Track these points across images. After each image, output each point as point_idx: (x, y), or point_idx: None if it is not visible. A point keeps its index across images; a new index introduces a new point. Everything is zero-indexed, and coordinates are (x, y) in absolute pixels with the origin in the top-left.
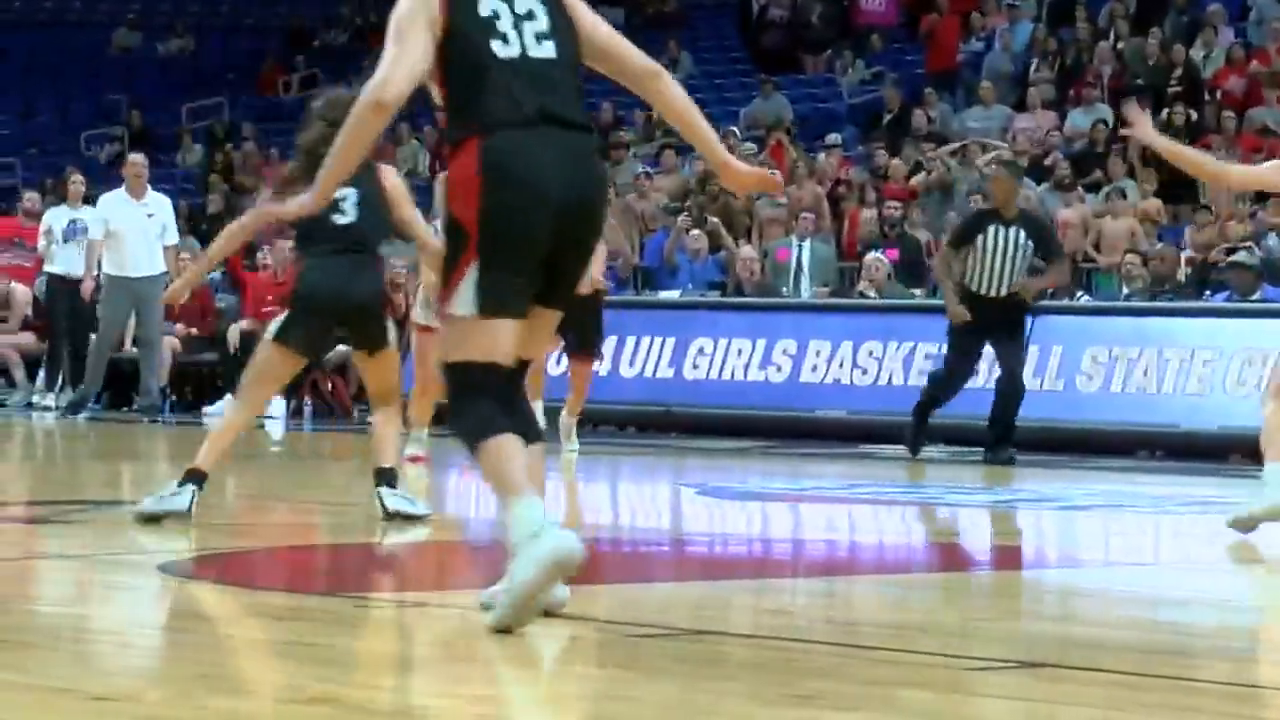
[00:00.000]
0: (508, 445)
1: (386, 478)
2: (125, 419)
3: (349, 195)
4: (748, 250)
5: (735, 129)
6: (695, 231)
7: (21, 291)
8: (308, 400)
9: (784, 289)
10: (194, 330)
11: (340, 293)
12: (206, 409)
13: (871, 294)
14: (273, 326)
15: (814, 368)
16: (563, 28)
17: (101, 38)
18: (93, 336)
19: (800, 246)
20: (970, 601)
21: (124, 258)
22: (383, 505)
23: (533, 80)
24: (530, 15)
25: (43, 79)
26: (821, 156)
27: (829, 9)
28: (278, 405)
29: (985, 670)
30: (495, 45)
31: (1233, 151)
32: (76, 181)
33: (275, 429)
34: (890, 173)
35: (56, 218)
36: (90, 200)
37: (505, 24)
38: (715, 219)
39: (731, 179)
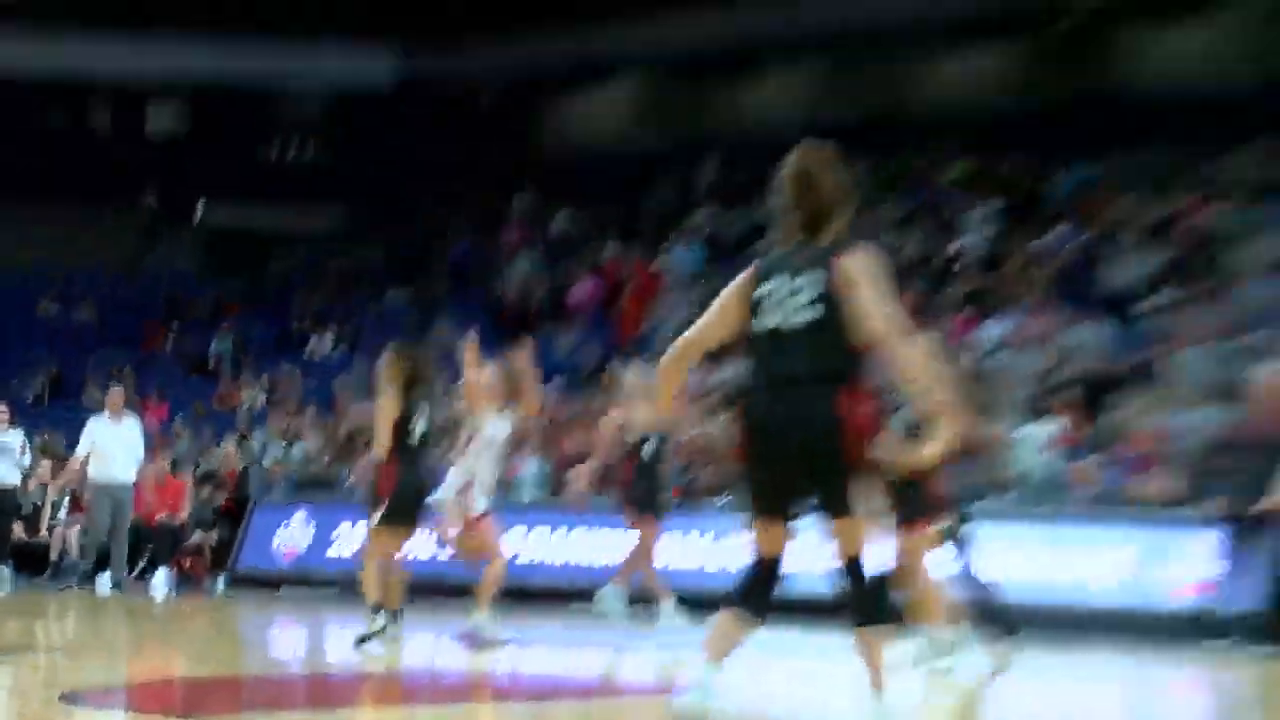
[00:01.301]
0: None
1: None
2: (40, 587)
3: None
4: None
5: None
6: None
7: None
8: (174, 569)
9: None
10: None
11: None
12: (100, 576)
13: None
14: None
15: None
16: (823, 299)
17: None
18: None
19: (525, 462)
20: None
21: (109, 468)
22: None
23: (777, 349)
24: (795, 292)
25: None
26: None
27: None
28: (161, 576)
29: None
30: (757, 320)
31: None
32: (1, 410)
33: (159, 595)
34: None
35: None
36: (14, 422)
37: (773, 301)
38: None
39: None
